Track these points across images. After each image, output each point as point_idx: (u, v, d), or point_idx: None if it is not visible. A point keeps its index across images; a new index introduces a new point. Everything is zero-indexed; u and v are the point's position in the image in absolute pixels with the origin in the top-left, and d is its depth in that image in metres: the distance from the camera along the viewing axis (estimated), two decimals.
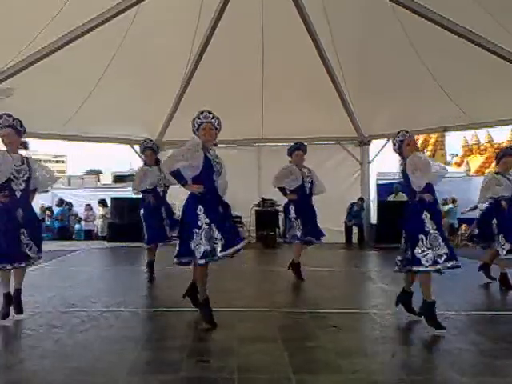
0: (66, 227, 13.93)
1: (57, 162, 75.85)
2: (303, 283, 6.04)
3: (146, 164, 6.17)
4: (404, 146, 4.14)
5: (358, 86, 9.49)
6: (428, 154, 21.64)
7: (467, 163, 20.02)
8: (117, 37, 7.85)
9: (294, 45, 8.60)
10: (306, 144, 6.31)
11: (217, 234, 3.82)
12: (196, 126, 4.15)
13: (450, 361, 3.20)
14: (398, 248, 4.17)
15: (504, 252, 5.60)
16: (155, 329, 3.99)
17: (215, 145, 4.26)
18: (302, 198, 6.07)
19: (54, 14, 6.51)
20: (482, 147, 23.04)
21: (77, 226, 14.34)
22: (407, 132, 4.21)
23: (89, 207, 13.97)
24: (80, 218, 14.26)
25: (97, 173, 42.01)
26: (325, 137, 10.95)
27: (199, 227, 3.83)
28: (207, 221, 3.84)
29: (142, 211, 6.11)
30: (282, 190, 6.16)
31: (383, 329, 3.96)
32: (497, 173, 5.82)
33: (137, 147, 10.61)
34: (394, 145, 4.24)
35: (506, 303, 5.26)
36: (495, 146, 22.66)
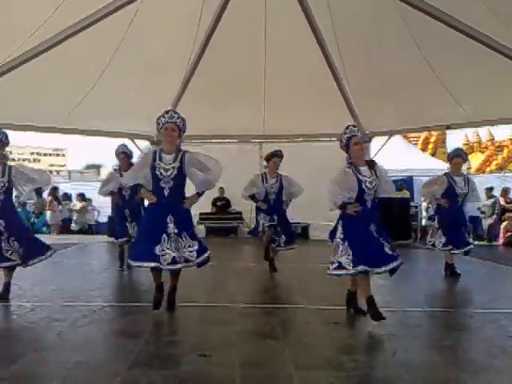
0: (68, 220, 13.96)
1: (57, 155, 75.62)
2: (303, 279, 6.05)
3: (120, 168, 6.43)
4: (352, 145, 4.04)
5: (359, 83, 9.46)
6: (429, 151, 21.67)
7: (468, 161, 20.00)
8: (119, 31, 7.83)
9: (296, 41, 8.57)
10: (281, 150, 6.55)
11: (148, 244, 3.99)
12: (160, 125, 4.13)
13: (451, 358, 3.20)
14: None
15: (440, 245, 6.18)
16: (157, 323, 3.99)
17: (179, 144, 4.26)
18: (269, 206, 6.38)
19: (57, 6, 6.49)
20: (483, 145, 23.06)
21: None
22: (355, 127, 4.17)
23: (89, 201, 13.95)
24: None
25: (97, 167, 42.03)
26: (326, 133, 10.92)
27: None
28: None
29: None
30: (253, 197, 6.47)
31: (384, 326, 3.96)
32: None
33: (138, 142, 10.61)
34: (341, 141, 4.12)
35: (507, 301, 5.26)
36: (496, 144, 22.70)
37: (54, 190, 13.82)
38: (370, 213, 4.02)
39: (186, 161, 4.09)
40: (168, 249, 3.95)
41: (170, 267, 3.99)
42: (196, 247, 4.05)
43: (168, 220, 4.00)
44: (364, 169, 4.04)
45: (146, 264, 4.00)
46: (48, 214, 13.61)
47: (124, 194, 6.48)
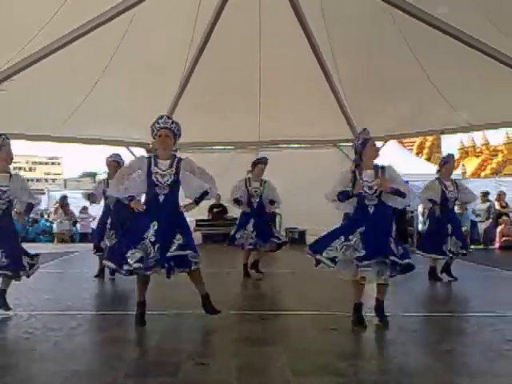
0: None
1: (52, 163, 75.21)
2: (300, 285, 6.05)
3: (109, 176, 6.44)
4: (369, 146, 4.21)
5: (354, 89, 9.51)
6: (424, 156, 21.78)
7: (463, 166, 20.11)
8: (114, 39, 7.84)
9: (291, 47, 8.62)
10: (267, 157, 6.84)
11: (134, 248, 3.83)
12: (155, 131, 4.07)
13: (449, 362, 3.20)
14: None
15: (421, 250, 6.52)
16: (153, 331, 3.97)
17: (175, 150, 4.24)
18: (251, 209, 6.64)
19: (53, 15, 6.50)
20: (477, 150, 23.19)
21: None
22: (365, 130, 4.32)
23: (85, 210, 13.90)
24: (76, 221, 14.20)
25: (93, 175, 42.03)
26: (322, 140, 10.97)
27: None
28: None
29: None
30: (236, 201, 6.60)
31: (381, 331, 3.96)
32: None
33: (133, 149, 10.61)
34: (358, 140, 4.29)
35: (503, 305, 5.27)
36: (491, 148, 22.82)
37: (64, 198, 13.81)
38: (372, 219, 3.98)
39: (181, 166, 4.04)
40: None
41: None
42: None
43: (156, 225, 3.88)
44: (368, 172, 4.08)
45: (142, 271, 3.98)
46: (54, 222, 13.63)
47: (108, 203, 6.50)
